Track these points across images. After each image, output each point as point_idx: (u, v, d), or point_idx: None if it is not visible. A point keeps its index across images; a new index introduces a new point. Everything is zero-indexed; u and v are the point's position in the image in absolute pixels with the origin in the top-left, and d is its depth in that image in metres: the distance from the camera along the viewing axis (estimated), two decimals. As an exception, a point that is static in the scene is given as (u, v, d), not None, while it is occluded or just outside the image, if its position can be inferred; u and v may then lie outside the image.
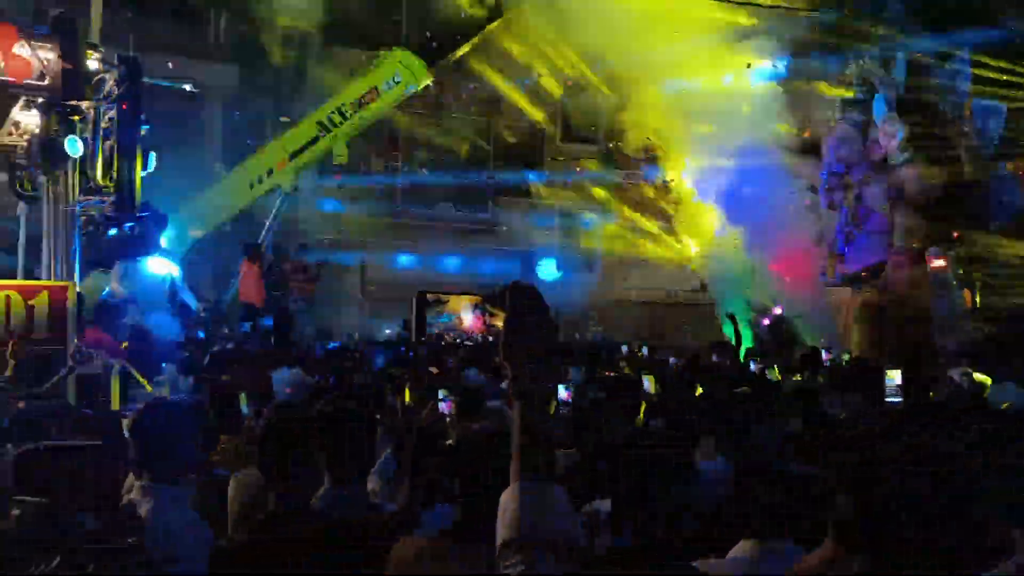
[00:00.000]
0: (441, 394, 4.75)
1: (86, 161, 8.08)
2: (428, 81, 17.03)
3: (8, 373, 6.79)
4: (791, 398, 5.44)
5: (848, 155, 16.79)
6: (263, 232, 16.93)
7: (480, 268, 23.28)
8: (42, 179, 9.14)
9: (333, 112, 16.34)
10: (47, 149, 7.80)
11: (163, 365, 10.11)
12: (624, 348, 13.31)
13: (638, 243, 23.57)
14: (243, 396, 5.10)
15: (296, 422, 2.88)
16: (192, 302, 10.87)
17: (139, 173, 8.03)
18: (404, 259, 23.18)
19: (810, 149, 17.79)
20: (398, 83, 16.49)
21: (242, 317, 14.74)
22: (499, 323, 1.67)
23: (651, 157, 21.19)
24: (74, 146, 7.73)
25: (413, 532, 2.96)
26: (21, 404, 5.13)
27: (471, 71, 20.74)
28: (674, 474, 2.71)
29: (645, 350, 13.82)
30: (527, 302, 1.64)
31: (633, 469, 2.71)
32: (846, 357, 11.44)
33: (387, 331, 20.73)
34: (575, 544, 1.58)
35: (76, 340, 7.59)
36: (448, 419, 4.78)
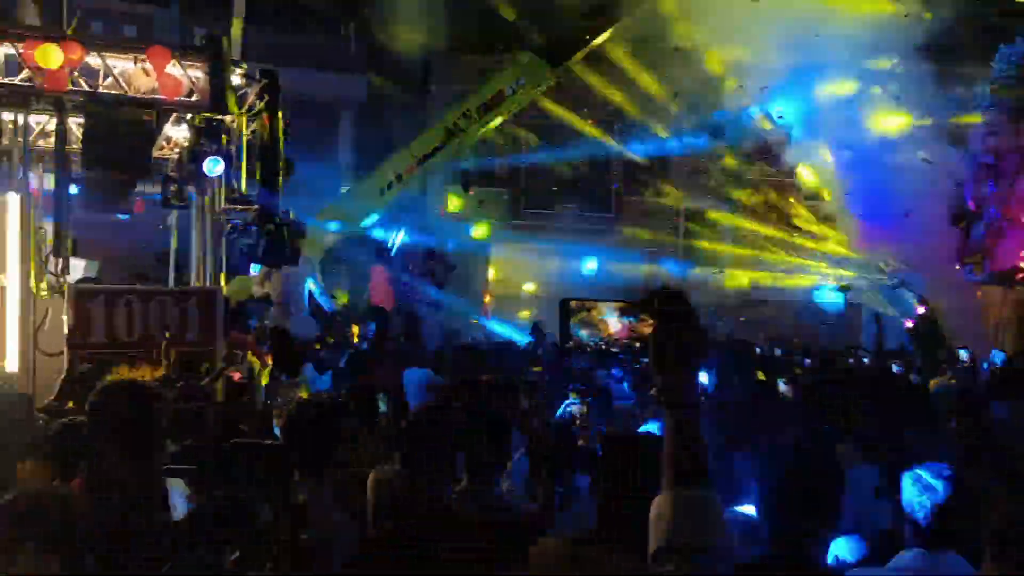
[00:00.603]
0: (571, 396, 4.76)
1: (231, 172, 8.52)
2: (552, 82, 17.09)
3: (164, 373, 7.21)
4: (950, 401, 5.14)
5: (998, 144, 15.76)
6: (393, 237, 17.42)
7: (604, 268, 23.17)
8: (191, 190, 9.73)
9: (459, 117, 16.63)
10: (196, 162, 8.26)
11: (302, 365, 10.55)
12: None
13: (770, 241, 22.96)
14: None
15: (438, 421, 2.95)
16: (327, 304, 11.30)
17: (280, 182, 8.40)
18: (528, 260, 23.34)
19: (954, 138, 16.85)
20: (523, 85, 16.62)
21: (372, 319, 15.21)
22: (645, 329, 1.65)
23: (780, 151, 20.58)
24: (214, 166, 8.12)
25: (550, 533, 2.98)
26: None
27: (595, 68, 20.69)
28: (821, 480, 2.61)
29: (777, 351, 13.41)
30: (676, 308, 1.61)
31: (777, 475, 2.63)
32: (1000, 358, 10.73)
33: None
34: (730, 553, 1.55)
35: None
36: (578, 421, 4.78)
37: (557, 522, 2.96)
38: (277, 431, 3.85)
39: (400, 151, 17.41)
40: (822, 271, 22.07)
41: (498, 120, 17.23)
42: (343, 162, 23.49)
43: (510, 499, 3.66)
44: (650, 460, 2.80)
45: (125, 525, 2.47)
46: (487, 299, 22.56)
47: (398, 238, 17.08)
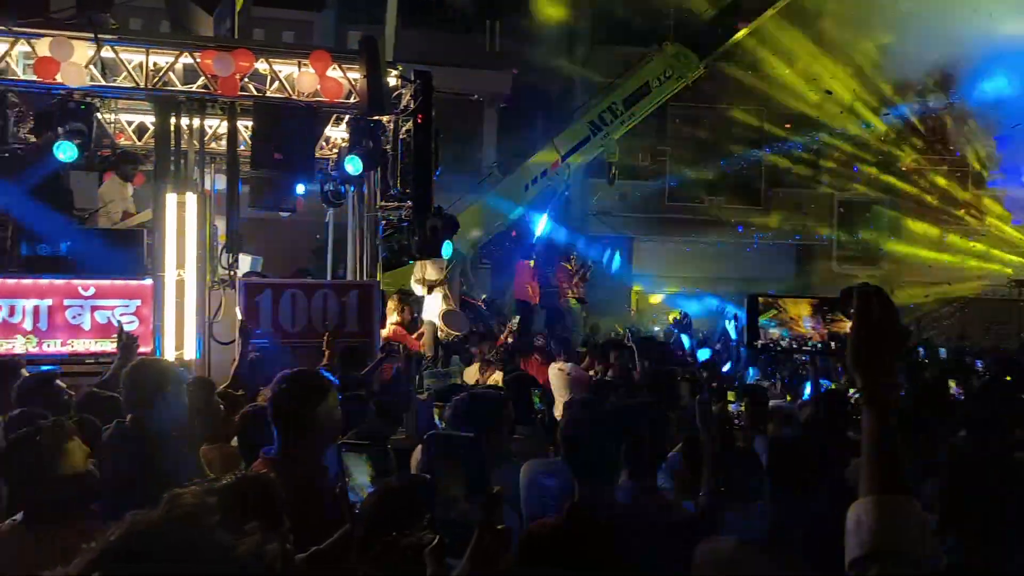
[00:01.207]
0: (729, 395, 4.66)
1: (386, 169, 8.83)
2: (700, 73, 16.72)
3: (325, 363, 7.56)
4: None
5: None
6: (537, 232, 17.55)
7: (751, 262, 22.54)
8: (347, 188, 10.15)
9: (604, 111, 16.54)
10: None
11: (452, 357, 10.84)
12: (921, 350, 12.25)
13: (935, 234, 21.72)
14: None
15: (597, 416, 2.96)
16: (478, 299, 11.54)
17: (432, 179, 8.63)
18: (673, 254, 23.00)
19: None
20: (669, 78, 16.35)
21: (517, 313, 15.38)
22: (842, 328, 1.59)
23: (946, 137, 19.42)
24: (356, 166, 8.38)
25: (716, 533, 2.93)
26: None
27: (743, 61, 20.14)
28: (1005, 489, 2.45)
29: (943, 352, 12.63)
30: (876, 306, 1.55)
31: (963, 482, 2.49)
32: None
33: (655, 328, 20.66)
34: (935, 559, 1.48)
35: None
36: (737, 420, 4.67)
37: (727, 523, 2.91)
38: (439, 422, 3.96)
39: (544, 146, 17.52)
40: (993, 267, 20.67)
41: (644, 113, 17.01)
42: (487, 158, 23.88)
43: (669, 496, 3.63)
44: (821, 466, 2.72)
45: (306, 506, 2.61)
46: (634, 296, 22.42)
47: (540, 230, 17.19)
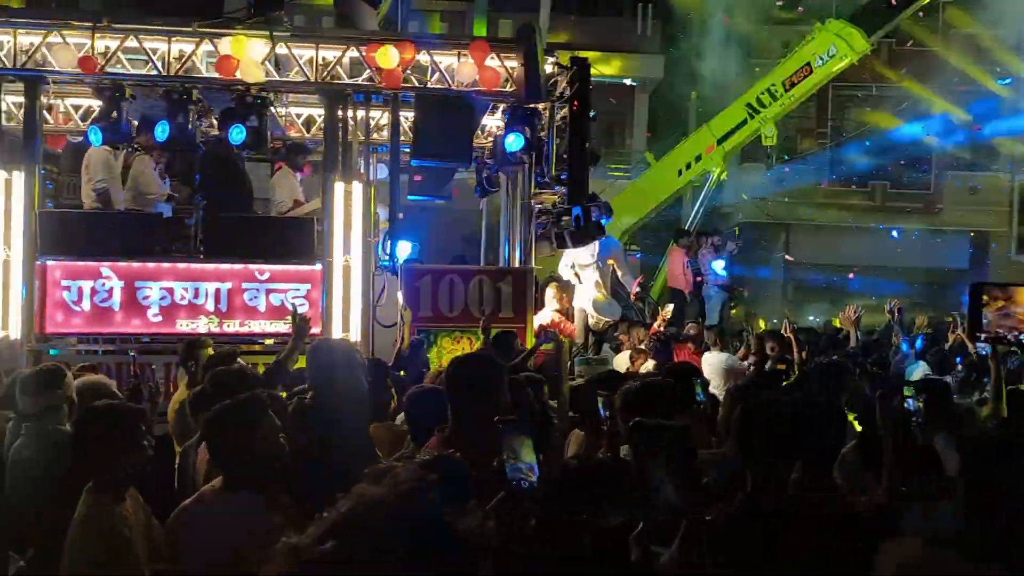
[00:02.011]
0: (907, 391, 4.42)
1: (541, 157, 8.90)
2: (866, 51, 15.84)
3: (481, 347, 7.73)
4: None
5: None
6: (691, 218, 17.22)
7: (920, 250, 21.31)
8: (502, 176, 10.31)
9: (763, 93, 15.98)
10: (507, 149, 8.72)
11: (603, 345, 10.82)
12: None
13: None
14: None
15: (775, 408, 2.89)
16: (630, 286, 11.43)
17: (587, 166, 8.64)
18: (832, 241, 22.06)
19: None
20: (832, 57, 15.58)
21: (669, 301, 15.16)
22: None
23: None
24: (516, 142, 8.47)
25: (897, 533, 2.81)
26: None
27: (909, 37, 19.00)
28: None
29: None
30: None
31: None
32: None
33: (811, 318, 19.90)
34: None
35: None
36: (915, 417, 4.43)
37: (908, 521, 2.78)
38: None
39: (698, 130, 17.13)
40: None
41: (805, 94, 16.30)
42: (637, 144, 23.66)
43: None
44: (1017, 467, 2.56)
45: (482, 485, 2.68)
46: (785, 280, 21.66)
47: (694, 216, 16.86)
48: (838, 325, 12.29)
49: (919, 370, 9.05)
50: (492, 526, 1.22)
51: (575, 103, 8.34)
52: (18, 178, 8.01)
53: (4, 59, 7.98)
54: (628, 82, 22.13)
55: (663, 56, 22.99)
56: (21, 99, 8.53)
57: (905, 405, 4.21)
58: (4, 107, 8.61)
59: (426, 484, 1.21)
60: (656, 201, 16.84)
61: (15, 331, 7.82)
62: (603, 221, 8.88)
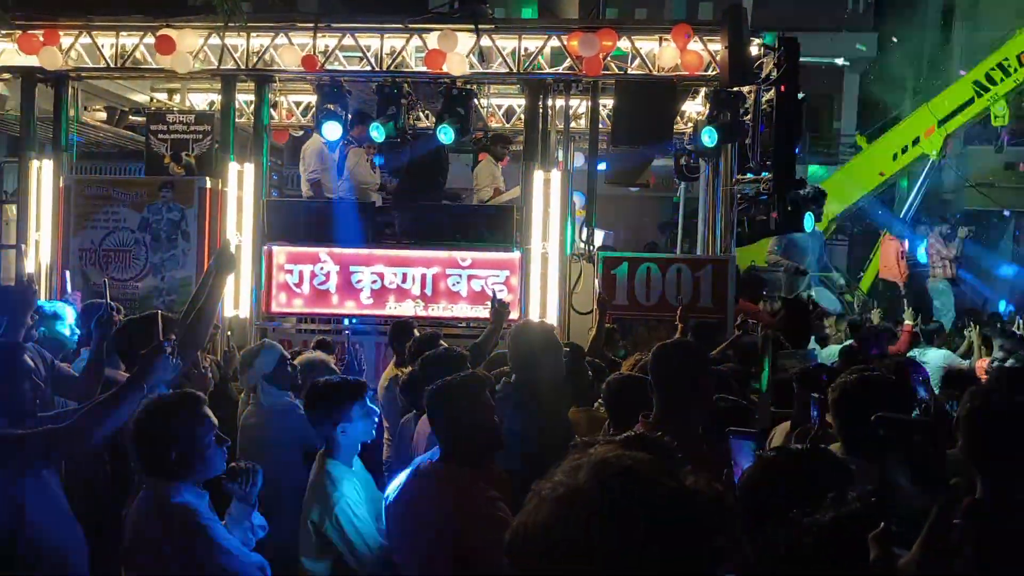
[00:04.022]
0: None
1: (745, 142, 8.60)
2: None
3: (677, 336, 7.60)
4: None
5: None
6: (907, 205, 16.07)
7: None
8: (701, 162, 10.07)
9: (993, 68, 14.59)
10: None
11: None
12: None
13: None
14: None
15: (1009, 410, 2.63)
16: (830, 303, 10.74)
17: (795, 151, 8.26)
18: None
19: None
20: (1078, 25, 13.99)
21: (879, 294, 14.27)
22: None
23: None
24: (711, 137, 8.21)
25: None
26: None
27: None
28: None
29: None
30: None
31: None
32: None
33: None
34: None
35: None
36: None
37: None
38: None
39: (916, 111, 15.92)
40: None
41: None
42: (846, 127, 22.38)
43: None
44: None
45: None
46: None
47: (909, 203, 15.70)
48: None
49: None
50: (721, 487, 1.18)
51: (782, 85, 7.97)
52: (248, 170, 8.73)
53: (238, 60, 8.70)
54: (839, 62, 20.93)
55: (875, 34, 21.59)
56: (250, 97, 9.29)
57: None
58: (236, 106, 9.39)
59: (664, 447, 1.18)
60: (867, 187, 15.83)
61: (244, 310, 8.54)
62: (813, 207, 8.45)
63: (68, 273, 7.93)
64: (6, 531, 3.12)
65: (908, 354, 8.72)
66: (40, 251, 8.79)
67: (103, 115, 10.71)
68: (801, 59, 8.19)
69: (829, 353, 9.37)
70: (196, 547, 2.86)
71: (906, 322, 9.93)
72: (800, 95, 8.30)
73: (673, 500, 1.13)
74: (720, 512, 1.14)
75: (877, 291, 15.46)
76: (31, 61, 8.70)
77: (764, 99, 8.47)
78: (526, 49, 8.51)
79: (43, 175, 8.85)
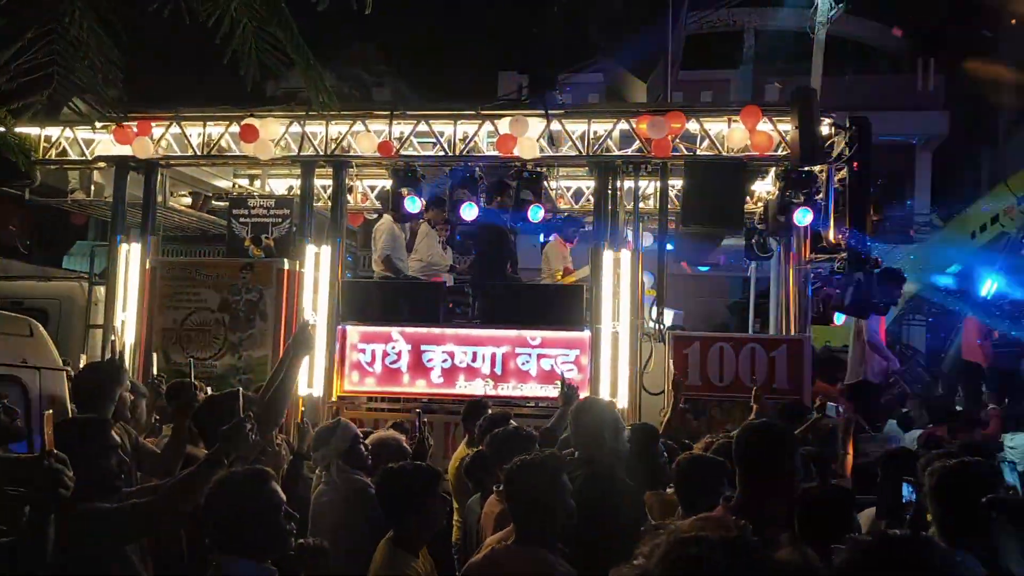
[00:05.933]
0: None
1: (818, 221, 8.51)
2: None
3: (752, 418, 7.42)
4: None
5: None
6: (986, 287, 15.57)
7: None
8: (771, 241, 9.97)
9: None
10: (783, 214, 8.44)
11: (888, 421, 9.98)
12: None
13: None
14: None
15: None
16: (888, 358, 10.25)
17: (869, 230, 8.14)
18: None
19: None
20: None
21: (963, 377, 13.70)
22: None
23: None
24: (804, 216, 8.21)
25: None
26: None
27: None
28: None
29: None
30: None
31: None
32: None
33: None
34: None
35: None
36: None
37: None
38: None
39: (995, 188, 15.58)
40: None
41: None
42: (919, 205, 22.00)
43: None
44: None
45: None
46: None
47: (992, 287, 15.19)
48: None
49: None
50: (813, 554, 1.14)
51: (855, 164, 7.92)
52: (325, 252, 8.97)
53: (317, 147, 9.04)
54: (913, 141, 20.74)
55: (947, 112, 21.37)
56: (327, 182, 9.61)
57: None
58: (314, 190, 9.71)
59: (742, 526, 1.15)
60: (944, 265, 15.44)
61: (318, 389, 8.66)
62: (890, 291, 8.26)
63: (154, 356, 8.15)
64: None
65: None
66: (126, 331, 9.11)
67: (188, 200, 11.21)
68: (881, 137, 8.14)
69: (912, 437, 9.03)
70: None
71: (990, 406, 9.55)
72: (874, 175, 8.22)
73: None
74: None
75: (959, 371, 14.88)
76: (124, 150, 9.20)
77: (836, 178, 8.41)
78: (595, 132, 8.65)
79: (131, 257, 9.25)
